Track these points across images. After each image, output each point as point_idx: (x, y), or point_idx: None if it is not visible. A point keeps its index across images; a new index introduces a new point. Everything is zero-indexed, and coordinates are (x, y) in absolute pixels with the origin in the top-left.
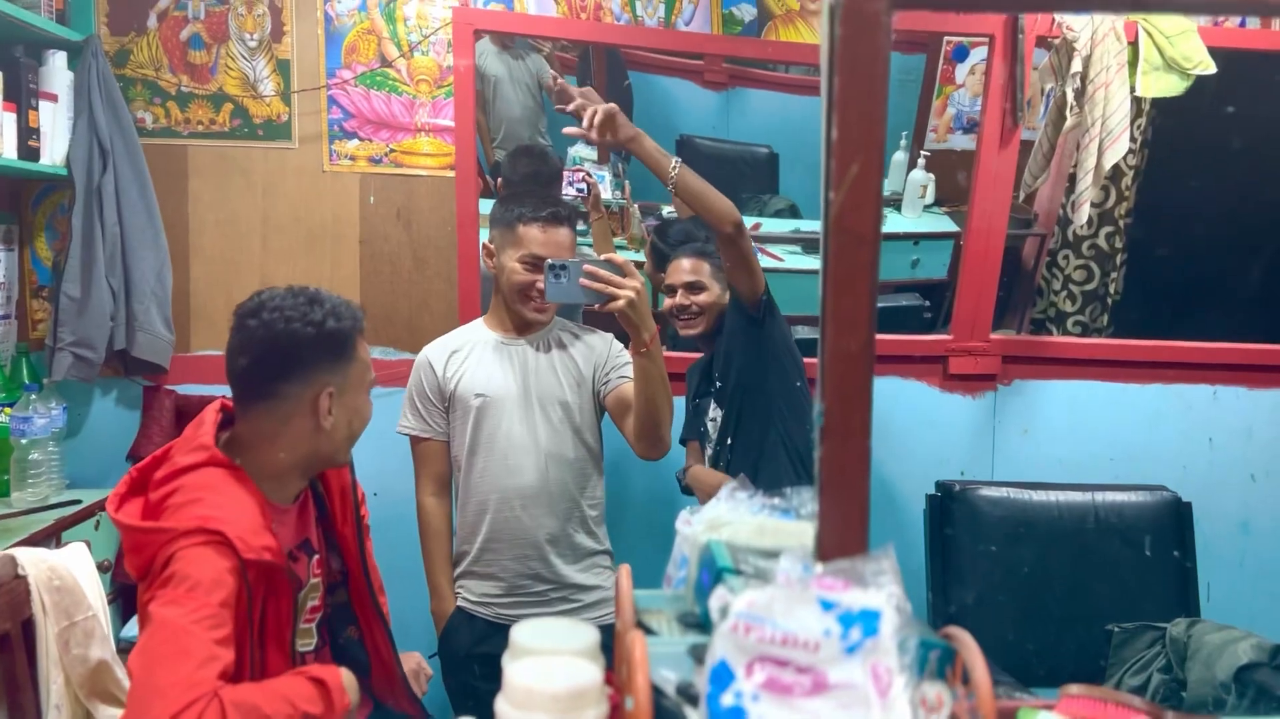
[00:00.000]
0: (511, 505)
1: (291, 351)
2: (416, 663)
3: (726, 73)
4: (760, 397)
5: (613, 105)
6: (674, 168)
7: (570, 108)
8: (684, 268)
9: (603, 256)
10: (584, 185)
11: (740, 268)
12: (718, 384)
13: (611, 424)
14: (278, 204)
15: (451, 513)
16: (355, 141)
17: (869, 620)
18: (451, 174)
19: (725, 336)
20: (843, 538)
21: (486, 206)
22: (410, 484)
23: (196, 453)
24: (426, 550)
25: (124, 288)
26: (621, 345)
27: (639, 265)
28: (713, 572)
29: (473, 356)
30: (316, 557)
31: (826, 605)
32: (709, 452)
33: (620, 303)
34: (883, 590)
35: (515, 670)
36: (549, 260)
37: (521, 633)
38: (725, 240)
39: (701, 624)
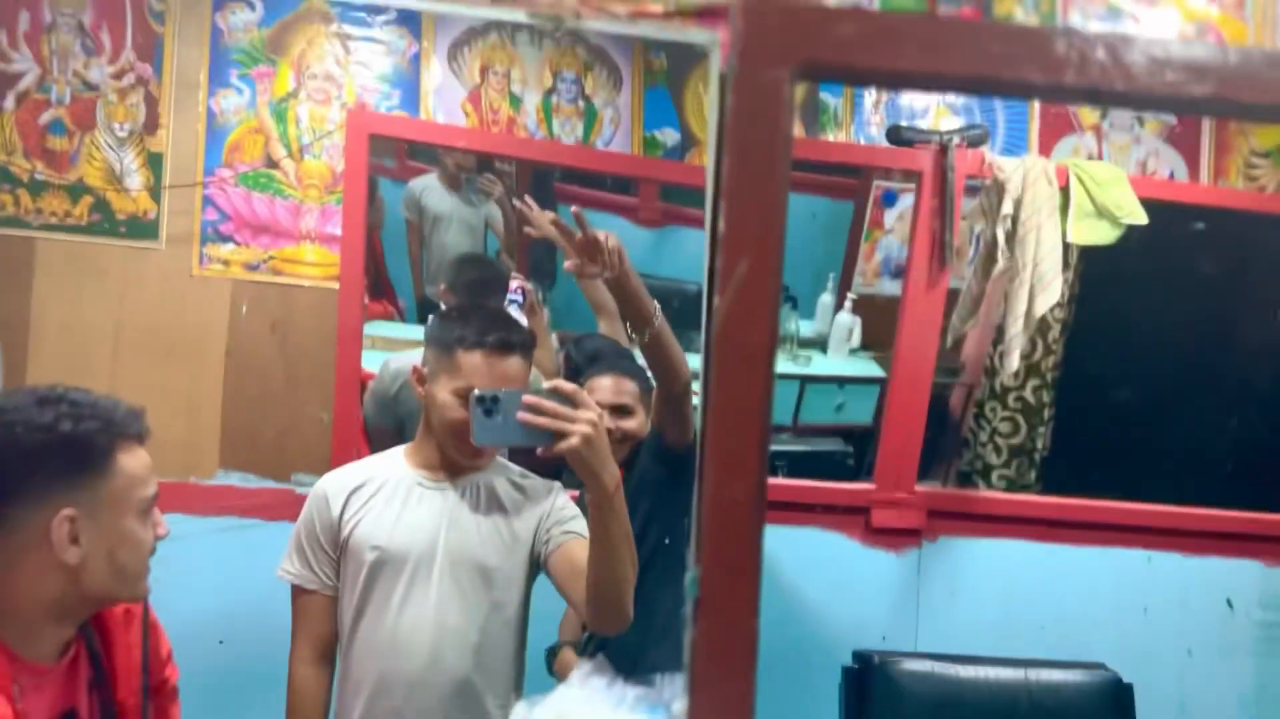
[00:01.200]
0: (392, 694)
1: (12, 466)
2: None
3: (660, 210)
4: (669, 553)
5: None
6: (657, 317)
7: (537, 234)
8: (606, 387)
9: (546, 385)
10: (519, 293)
11: (675, 420)
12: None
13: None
14: (136, 309)
15: (329, 687)
16: (230, 245)
17: None
18: (335, 286)
19: (635, 481)
20: None
21: (385, 329)
22: (267, 636)
23: None
24: None
25: None
26: (565, 496)
27: None
28: None
29: (379, 497)
30: None
31: None
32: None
33: (574, 440)
34: None
35: None
36: (476, 391)
37: None
38: (669, 396)
39: None
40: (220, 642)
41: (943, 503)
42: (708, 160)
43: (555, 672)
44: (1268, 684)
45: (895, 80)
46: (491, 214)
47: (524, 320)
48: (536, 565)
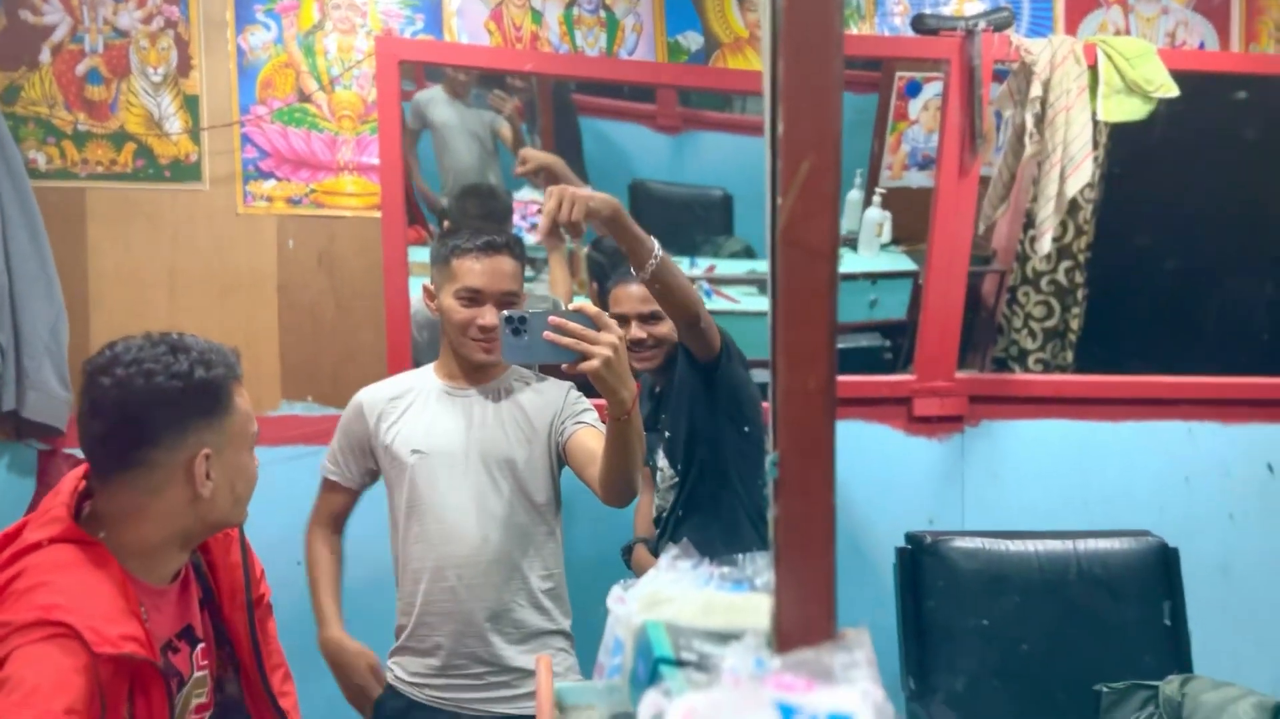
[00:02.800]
0: (446, 576)
1: (156, 411)
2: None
3: (679, 115)
4: (715, 454)
5: (581, 191)
6: (655, 256)
7: (523, 170)
8: (635, 295)
9: (571, 306)
10: (537, 220)
11: (696, 342)
12: (667, 435)
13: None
14: (187, 250)
15: (341, 549)
16: (272, 182)
17: None
18: (377, 215)
19: (675, 388)
20: (805, 617)
21: (421, 254)
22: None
23: (48, 527)
24: (311, 577)
25: (13, 342)
26: (579, 393)
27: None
28: (649, 661)
29: (414, 407)
30: (202, 645)
31: (786, 711)
32: (660, 502)
33: (595, 362)
34: (856, 688)
35: None
36: (505, 313)
37: None
38: (684, 326)
39: None
40: (298, 562)
41: (983, 388)
42: (763, 65)
43: (632, 567)
44: None
45: None
46: (497, 122)
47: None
48: (558, 454)
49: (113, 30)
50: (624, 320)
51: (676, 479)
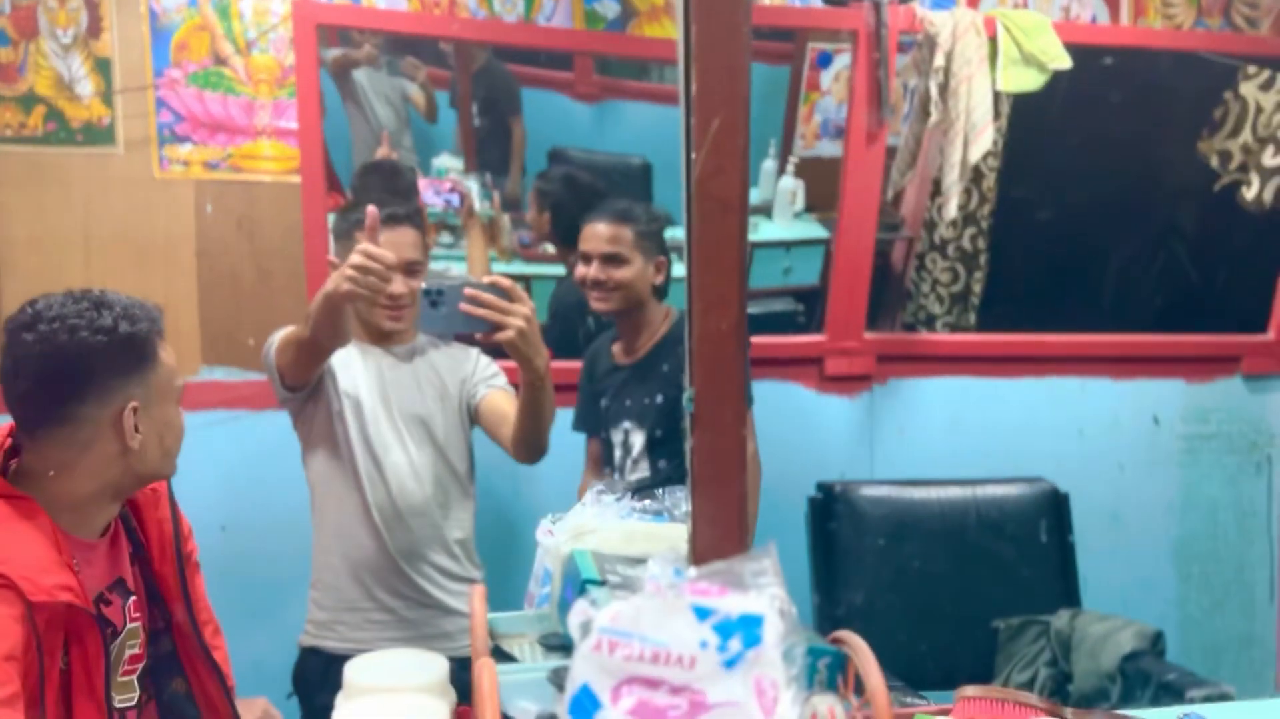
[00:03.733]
0: (364, 521)
1: (81, 367)
2: (262, 711)
3: (598, 84)
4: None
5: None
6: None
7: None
8: (602, 235)
9: (486, 279)
10: (455, 195)
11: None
12: (656, 433)
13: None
14: (101, 215)
15: None
16: (189, 146)
17: (750, 627)
18: (297, 180)
19: (678, 387)
20: (719, 537)
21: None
22: (264, 520)
23: None
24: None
25: None
26: (488, 357)
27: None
28: (577, 585)
29: (343, 360)
30: (133, 598)
31: (702, 614)
32: (623, 475)
33: (509, 333)
34: (764, 593)
35: (350, 713)
36: (423, 286)
37: (357, 670)
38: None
39: (565, 646)
40: (222, 528)
41: (890, 348)
42: (677, 28)
43: None
44: (1190, 492)
45: None
46: (409, 88)
47: (459, 221)
48: (469, 415)
49: None
50: (587, 259)
51: (648, 475)
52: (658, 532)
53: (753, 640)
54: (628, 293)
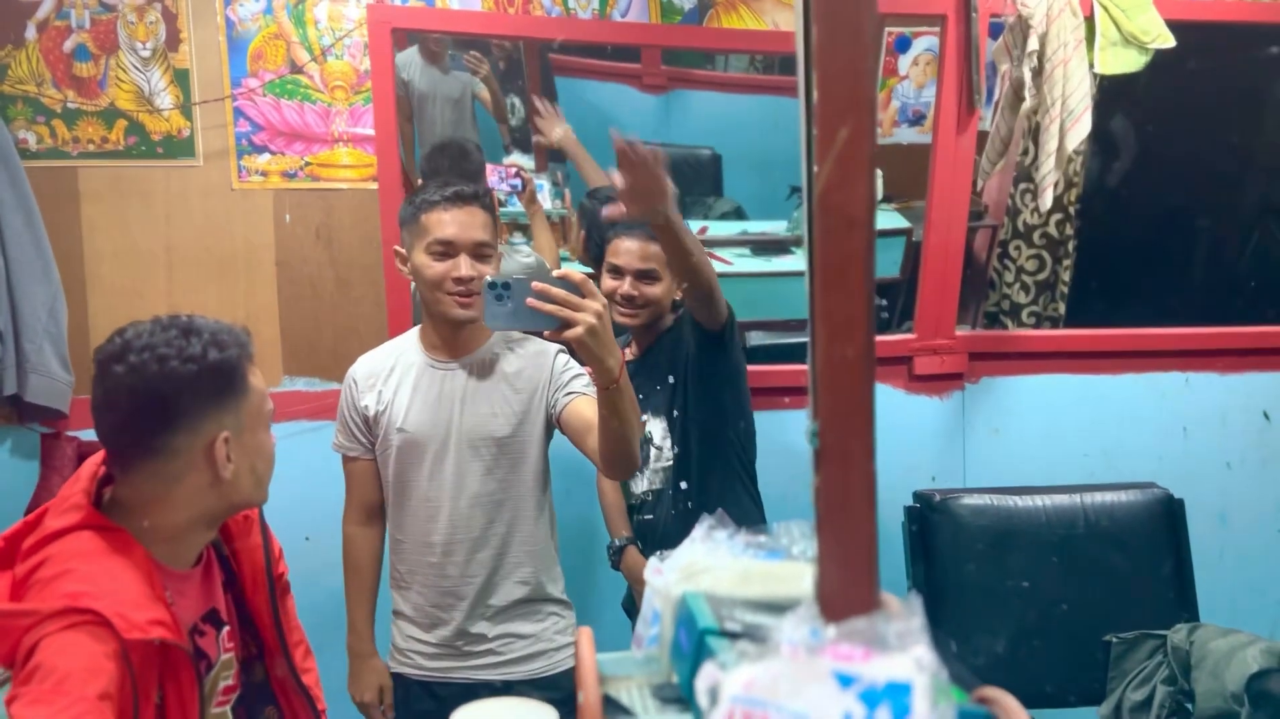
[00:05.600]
0: (432, 551)
1: (171, 398)
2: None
3: (665, 75)
4: (720, 429)
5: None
6: (666, 211)
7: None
8: (635, 251)
9: (556, 273)
10: (519, 181)
11: (705, 309)
12: (674, 414)
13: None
14: (182, 227)
15: (381, 543)
16: (266, 156)
17: (898, 696)
18: (374, 186)
19: (684, 361)
20: (848, 584)
21: None
22: None
23: (69, 514)
24: (347, 584)
25: (11, 326)
26: (566, 356)
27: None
28: (692, 632)
29: (404, 384)
30: (227, 628)
31: (845, 681)
32: (647, 486)
33: (579, 330)
34: (910, 655)
35: None
36: (488, 279)
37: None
38: (695, 291)
39: (683, 699)
40: (306, 538)
41: (982, 345)
42: (796, 31)
43: (623, 570)
44: None
45: None
46: (475, 84)
47: (523, 207)
48: (550, 426)
49: (99, 5)
50: (619, 273)
51: (672, 459)
52: (775, 571)
53: (902, 711)
54: (656, 309)
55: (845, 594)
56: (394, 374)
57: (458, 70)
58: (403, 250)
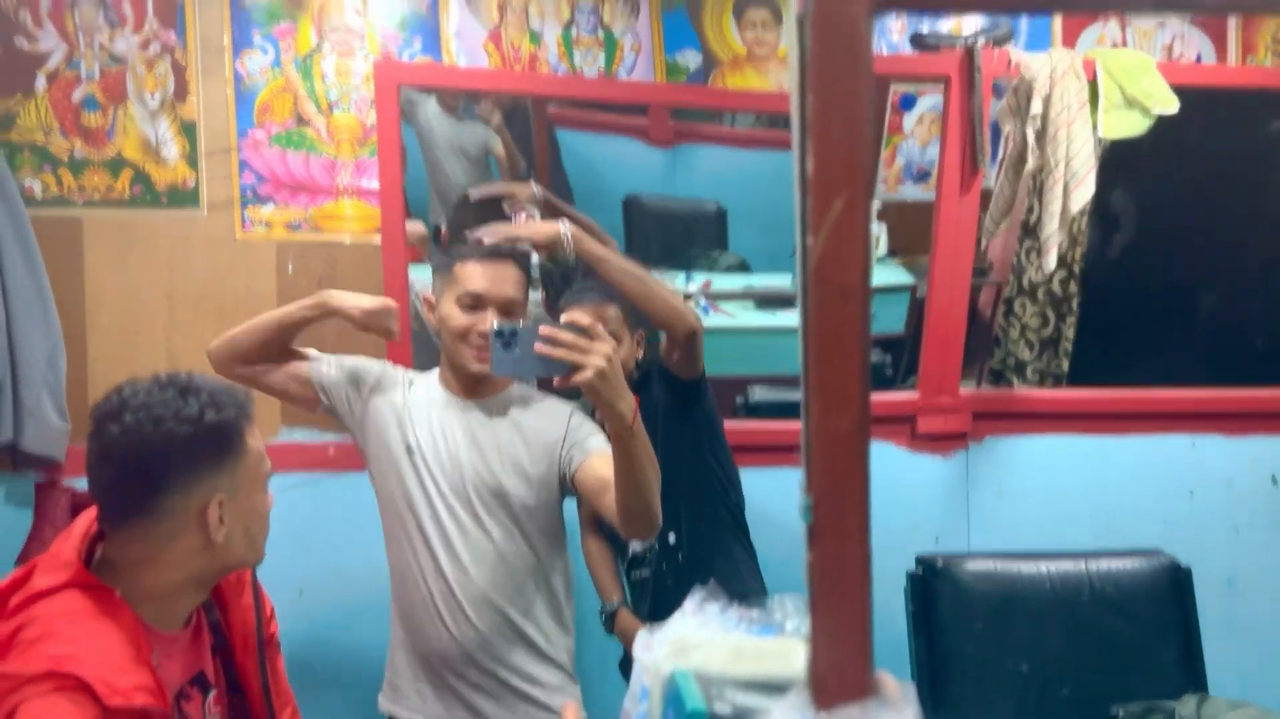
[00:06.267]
0: (429, 607)
1: (166, 459)
2: None
3: (672, 129)
4: (703, 478)
5: (554, 227)
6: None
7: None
8: (591, 315)
9: (564, 317)
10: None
11: (684, 359)
12: None
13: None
14: (185, 276)
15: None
16: (271, 206)
17: None
18: (377, 239)
19: (656, 414)
20: (842, 665)
21: (421, 272)
22: (340, 583)
23: (58, 572)
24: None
25: (9, 374)
26: (582, 415)
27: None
28: (680, 713)
29: (421, 401)
30: (214, 692)
31: None
32: (635, 547)
33: (588, 373)
34: None
35: None
36: (494, 325)
37: None
38: (675, 340)
39: None
40: (300, 592)
41: (986, 404)
42: (791, 102)
43: (617, 633)
44: None
45: (968, 5)
46: (491, 139)
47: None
48: (564, 485)
49: (109, 57)
50: None
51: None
52: (768, 648)
53: None
54: (625, 370)
55: (839, 676)
56: (416, 390)
57: (472, 121)
58: (431, 298)
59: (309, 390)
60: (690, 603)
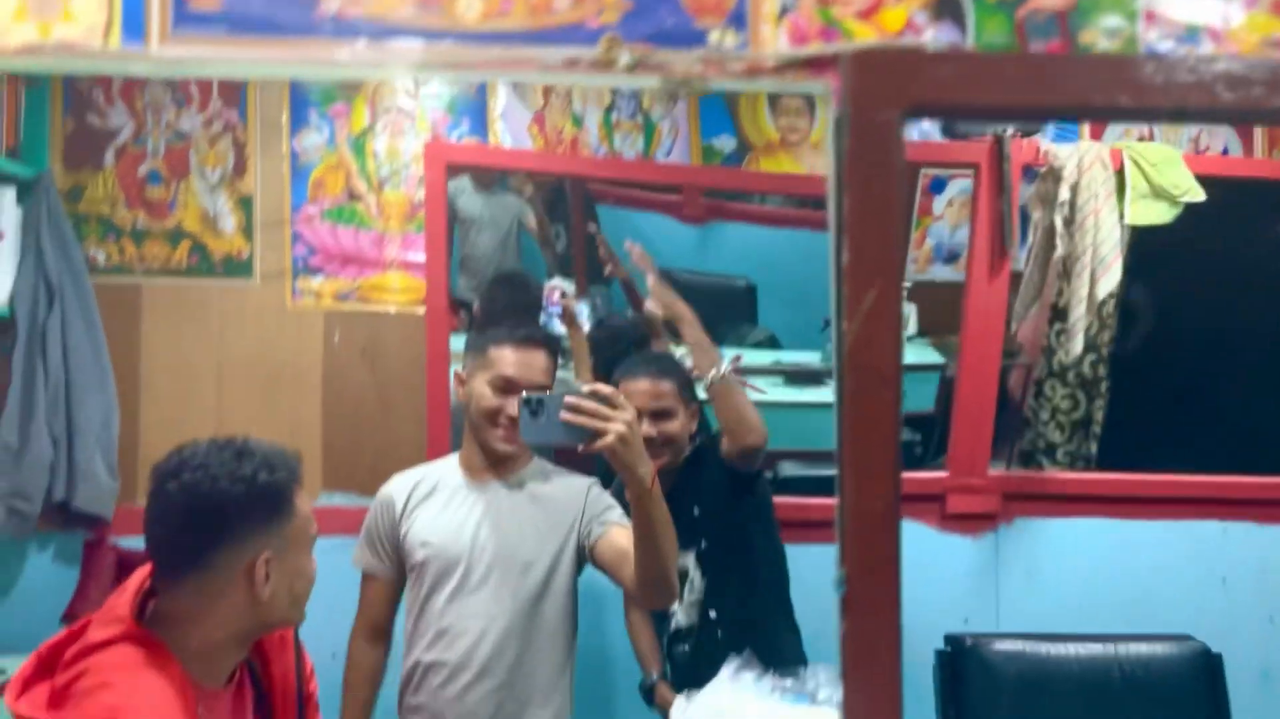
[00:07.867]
0: (440, 674)
1: (219, 515)
2: None
3: (705, 206)
4: (750, 559)
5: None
6: (718, 372)
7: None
8: (643, 390)
9: (586, 388)
10: (559, 307)
11: (743, 458)
12: (702, 545)
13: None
14: (235, 344)
15: (382, 665)
16: (320, 278)
17: None
18: (421, 311)
19: (709, 492)
20: None
21: (457, 343)
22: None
23: (111, 626)
24: (344, 702)
25: (66, 435)
26: (601, 488)
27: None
28: None
29: (433, 499)
30: None
31: None
32: (685, 619)
33: (609, 439)
34: None
35: None
36: (523, 394)
37: None
38: (741, 447)
39: None
40: (333, 655)
41: (1016, 485)
42: (829, 198)
43: (656, 706)
44: None
45: (996, 113)
46: (523, 211)
47: (562, 329)
48: (582, 557)
49: (174, 133)
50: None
51: (702, 593)
52: (801, 717)
53: None
54: (676, 447)
55: None
56: (423, 489)
57: (504, 195)
58: (463, 374)
59: (394, 588)
60: (727, 670)
